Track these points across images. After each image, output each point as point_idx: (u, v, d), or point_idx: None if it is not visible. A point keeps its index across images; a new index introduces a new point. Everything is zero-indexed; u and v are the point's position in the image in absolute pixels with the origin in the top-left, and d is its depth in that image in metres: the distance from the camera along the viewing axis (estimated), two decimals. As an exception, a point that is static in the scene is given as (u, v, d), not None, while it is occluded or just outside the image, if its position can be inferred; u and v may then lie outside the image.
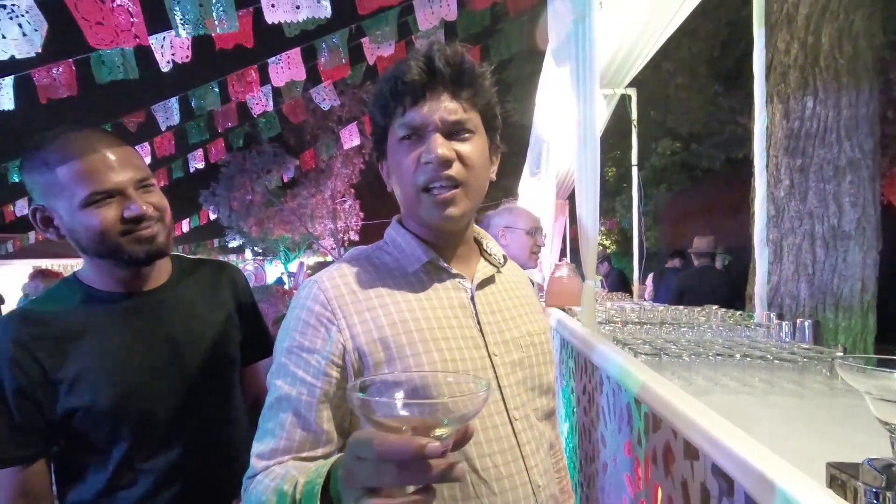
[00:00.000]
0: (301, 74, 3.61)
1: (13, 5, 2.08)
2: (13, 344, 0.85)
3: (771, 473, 0.61)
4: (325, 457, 0.70)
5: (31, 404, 0.86)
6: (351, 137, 5.77)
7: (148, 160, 5.38)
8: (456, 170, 0.71)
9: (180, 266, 1.09)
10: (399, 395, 0.53)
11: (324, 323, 0.72)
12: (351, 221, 14.57)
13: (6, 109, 2.88)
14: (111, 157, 0.89)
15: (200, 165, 5.76)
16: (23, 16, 2.11)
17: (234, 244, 17.97)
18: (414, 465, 0.43)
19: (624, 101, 3.89)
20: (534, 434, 0.77)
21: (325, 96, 4.54)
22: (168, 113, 4.09)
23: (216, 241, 16.35)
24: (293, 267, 17.30)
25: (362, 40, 3.68)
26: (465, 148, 0.72)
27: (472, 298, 0.79)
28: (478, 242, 0.88)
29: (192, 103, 4.04)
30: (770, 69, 2.30)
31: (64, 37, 2.31)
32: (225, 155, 6.25)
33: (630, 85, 3.74)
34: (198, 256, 1.20)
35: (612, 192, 11.58)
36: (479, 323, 0.77)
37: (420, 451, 0.42)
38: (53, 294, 0.95)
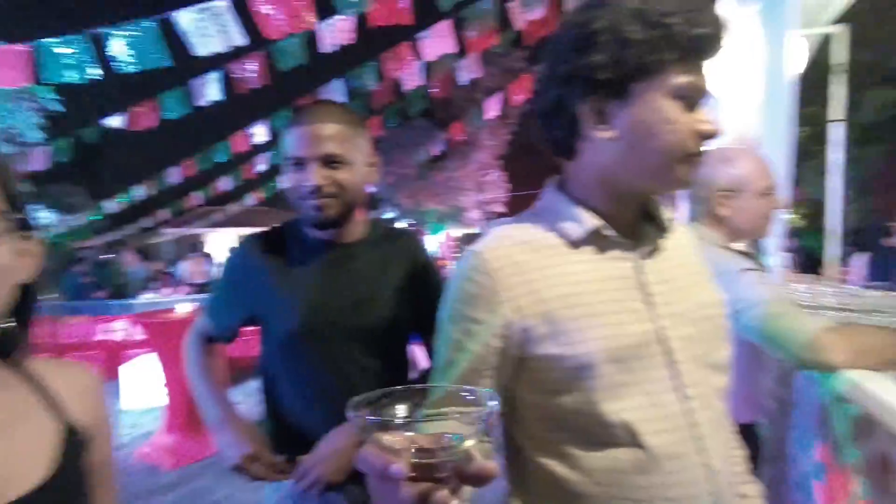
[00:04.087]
0: (451, 47, 3.65)
1: (212, 6, 2.45)
2: (247, 250, 1.15)
3: None
4: None
5: (242, 302, 1.15)
6: (496, 107, 5.73)
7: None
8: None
9: (374, 229, 1.23)
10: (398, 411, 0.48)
11: (485, 294, 0.71)
12: (497, 193, 14.66)
13: (215, 100, 3.45)
14: (312, 131, 1.05)
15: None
16: (220, 16, 2.47)
17: (387, 216, 19.42)
18: (385, 485, 0.42)
19: (825, 43, 3.20)
20: (713, 414, 0.70)
21: (470, 68, 4.55)
22: (332, 95, 4.49)
23: (370, 214, 17.81)
24: (440, 238, 18.16)
25: (509, 4, 3.58)
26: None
27: (638, 268, 0.72)
28: (647, 206, 0.80)
29: (351, 84, 4.37)
30: None
31: (253, 33, 2.64)
32: (382, 131, 6.69)
33: (837, 21, 3.06)
34: (393, 225, 1.34)
35: (798, 157, 9.77)
36: (646, 294, 0.71)
37: (384, 469, 0.40)
38: (284, 228, 1.20)
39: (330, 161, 1.05)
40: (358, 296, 1.12)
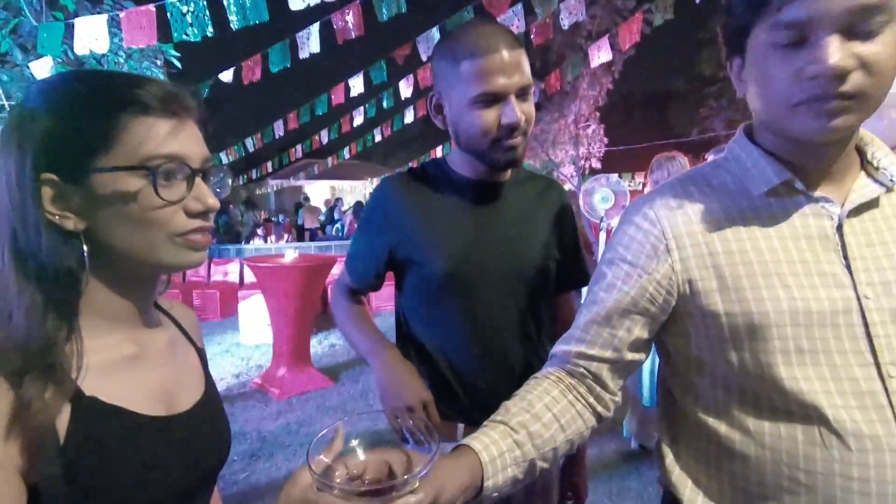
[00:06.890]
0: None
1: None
2: (388, 191, 1.08)
3: None
4: (609, 361, 0.74)
5: (384, 244, 1.07)
6: (599, 53, 5.27)
7: (410, 91, 6.00)
8: (854, 82, 0.55)
9: (519, 171, 1.14)
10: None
11: (651, 241, 0.71)
12: (594, 148, 13.80)
13: (314, 52, 3.51)
14: (506, 59, 0.90)
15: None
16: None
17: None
18: None
19: None
20: None
21: (573, 9, 4.18)
22: (429, 43, 4.38)
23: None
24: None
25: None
26: (871, 49, 0.54)
27: (840, 227, 0.64)
28: (860, 152, 0.69)
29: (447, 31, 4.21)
30: None
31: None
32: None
33: None
34: (530, 170, 1.23)
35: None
36: (845, 258, 0.64)
37: None
38: (427, 167, 1.13)
39: (524, 92, 0.95)
40: (508, 239, 1.05)
